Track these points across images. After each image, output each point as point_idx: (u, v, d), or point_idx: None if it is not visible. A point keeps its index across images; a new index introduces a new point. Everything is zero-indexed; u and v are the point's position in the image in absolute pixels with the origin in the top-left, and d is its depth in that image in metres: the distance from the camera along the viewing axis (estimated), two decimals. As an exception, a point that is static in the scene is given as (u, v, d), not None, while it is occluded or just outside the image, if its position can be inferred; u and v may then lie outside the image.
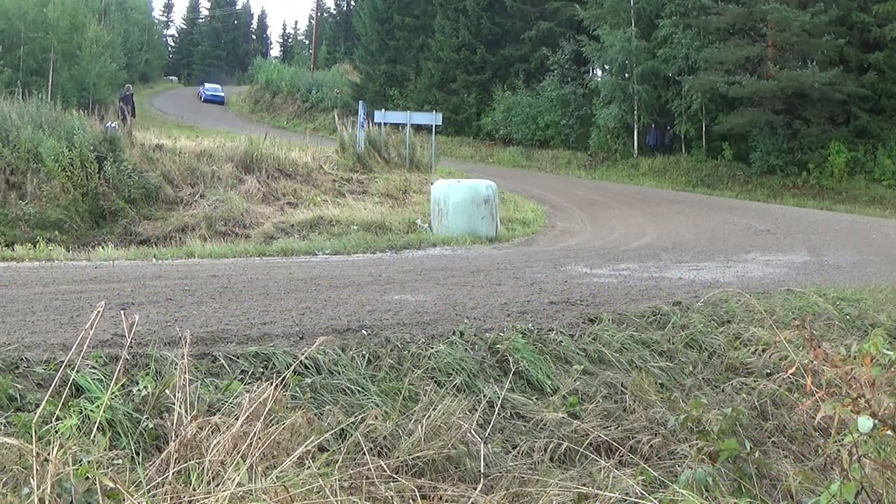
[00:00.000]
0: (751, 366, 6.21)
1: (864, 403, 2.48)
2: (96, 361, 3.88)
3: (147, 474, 2.88)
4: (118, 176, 17.43)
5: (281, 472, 2.85)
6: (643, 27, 30.27)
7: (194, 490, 2.72)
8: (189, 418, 3.10)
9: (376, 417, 4.00)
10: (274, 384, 3.31)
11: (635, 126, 30.92)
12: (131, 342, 4.27)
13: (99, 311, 2.70)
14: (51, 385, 3.36)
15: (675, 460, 4.49)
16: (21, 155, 17.01)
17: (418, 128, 25.81)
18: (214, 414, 3.43)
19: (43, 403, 2.98)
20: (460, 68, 37.48)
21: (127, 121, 21.62)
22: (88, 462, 2.65)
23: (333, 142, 25.07)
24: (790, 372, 3.41)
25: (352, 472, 3.11)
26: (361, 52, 44.64)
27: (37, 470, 2.42)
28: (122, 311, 3.16)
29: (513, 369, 5.07)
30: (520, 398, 4.88)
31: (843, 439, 2.69)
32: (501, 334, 5.49)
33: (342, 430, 3.81)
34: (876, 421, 2.50)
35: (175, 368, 3.72)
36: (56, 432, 2.90)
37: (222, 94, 58.10)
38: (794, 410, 4.45)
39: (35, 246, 11.96)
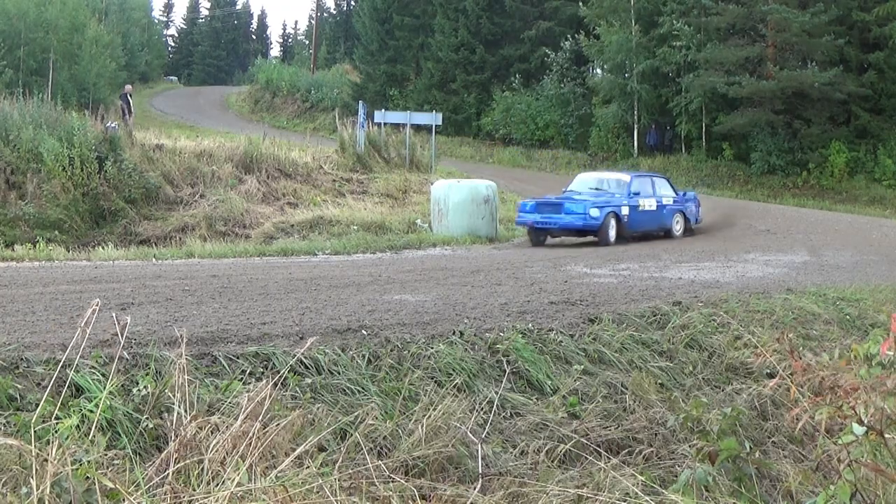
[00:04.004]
0: (751, 366, 6.21)
1: (849, 410, 2.49)
2: (96, 361, 3.88)
3: (146, 474, 2.87)
4: (118, 176, 17.42)
5: (280, 472, 2.85)
6: (643, 25, 30.28)
7: (194, 490, 2.72)
8: (189, 418, 3.10)
9: (376, 417, 4.00)
10: (271, 383, 3.30)
11: (635, 126, 30.92)
12: (132, 342, 4.28)
13: (94, 309, 2.70)
14: (49, 384, 3.36)
15: (675, 460, 4.49)
16: (21, 155, 17.01)
17: (418, 128, 25.79)
18: (214, 414, 3.43)
19: (42, 403, 2.98)
20: (460, 68, 37.47)
21: (127, 118, 21.64)
22: (87, 462, 2.65)
23: (333, 142, 25.06)
24: (773, 383, 3.41)
25: (351, 471, 3.10)
26: (361, 52, 44.61)
27: (36, 470, 2.42)
28: (113, 314, 3.16)
29: (512, 369, 5.07)
30: (520, 398, 4.87)
31: (836, 442, 2.69)
32: (501, 334, 5.49)
33: (342, 430, 3.80)
34: (865, 427, 2.50)
35: (175, 368, 3.72)
36: (55, 432, 2.89)
37: None
38: (786, 416, 4.46)
39: (35, 246, 11.96)
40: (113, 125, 19.44)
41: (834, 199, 25.09)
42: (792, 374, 2.86)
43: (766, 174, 27.08)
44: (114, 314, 3.15)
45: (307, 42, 77.41)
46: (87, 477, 2.49)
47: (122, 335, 3.02)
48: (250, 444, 2.87)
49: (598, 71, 34.05)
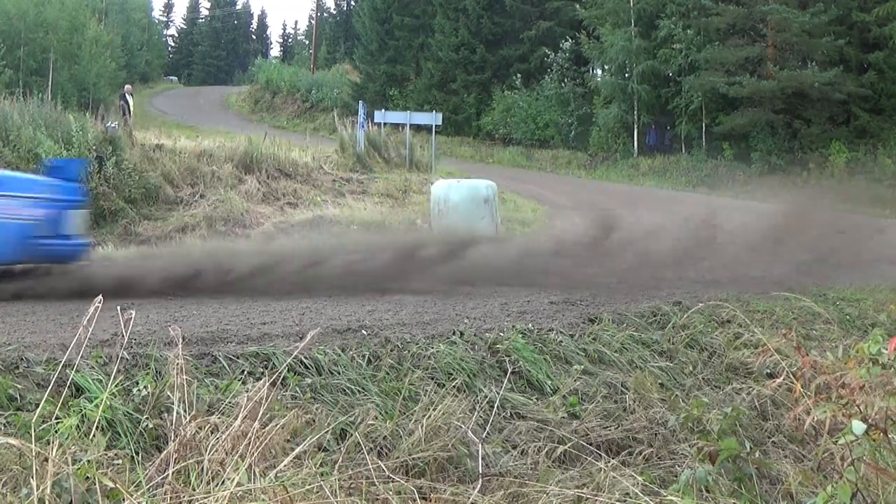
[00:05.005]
0: (751, 366, 6.20)
1: (855, 408, 2.49)
2: (96, 361, 3.88)
3: (147, 474, 2.87)
4: (118, 176, 17.39)
5: (279, 472, 2.85)
6: (643, 27, 30.30)
7: (194, 490, 2.72)
8: (188, 418, 3.10)
9: (376, 417, 4.00)
10: (269, 382, 3.30)
11: (635, 126, 30.94)
12: (132, 342, 4.27)
13: (97, 306, 2.70)
14: (50, 385, 3.36)
15: (675, 460, 4.49)
16: (21, 155, 17.01)
17: (418, 128, 25.79)
18: (214, 413, 3.43)
19: (42, 403, 2.98)
20: (460, 68, 37.49)
21: (127, 118, 21.66)
22: (88, 462, 2.65)
23: (333, 142, 25.03)
24: (776, 383, 3.41)
25: (351, 472, 3.10)
26: (361, 52, 44.61)
27: (36, 470, 2.42)
28: (118, 307, 3.16)
29: (512, 369, 5.06)
30: (520, 398, 4.87)
31: (836, 441, 2.69)
32: (501, 334, 5.49)
33: (342, 430, 3.80)
34: (868, 425, 2.50)
35: (174, 368, 3.72)
36: (55, 432, 2.89)
37: None
38: (787, 415, 4.46)
39: (35, 246, 11.93)
40: (113, 125, 19.43)
41: (834, 199, 25.08)
42: (796, 371, 2.86)
43: (767, 174, 27.09)
44: (119, 309, 3.15)
45: (307, 42, 77.36)
46: (88, 477, 2.50)
47: (126, 330, 3.01)
48: (249, 444, 2.87)
49: (598, 71, 34.08)
